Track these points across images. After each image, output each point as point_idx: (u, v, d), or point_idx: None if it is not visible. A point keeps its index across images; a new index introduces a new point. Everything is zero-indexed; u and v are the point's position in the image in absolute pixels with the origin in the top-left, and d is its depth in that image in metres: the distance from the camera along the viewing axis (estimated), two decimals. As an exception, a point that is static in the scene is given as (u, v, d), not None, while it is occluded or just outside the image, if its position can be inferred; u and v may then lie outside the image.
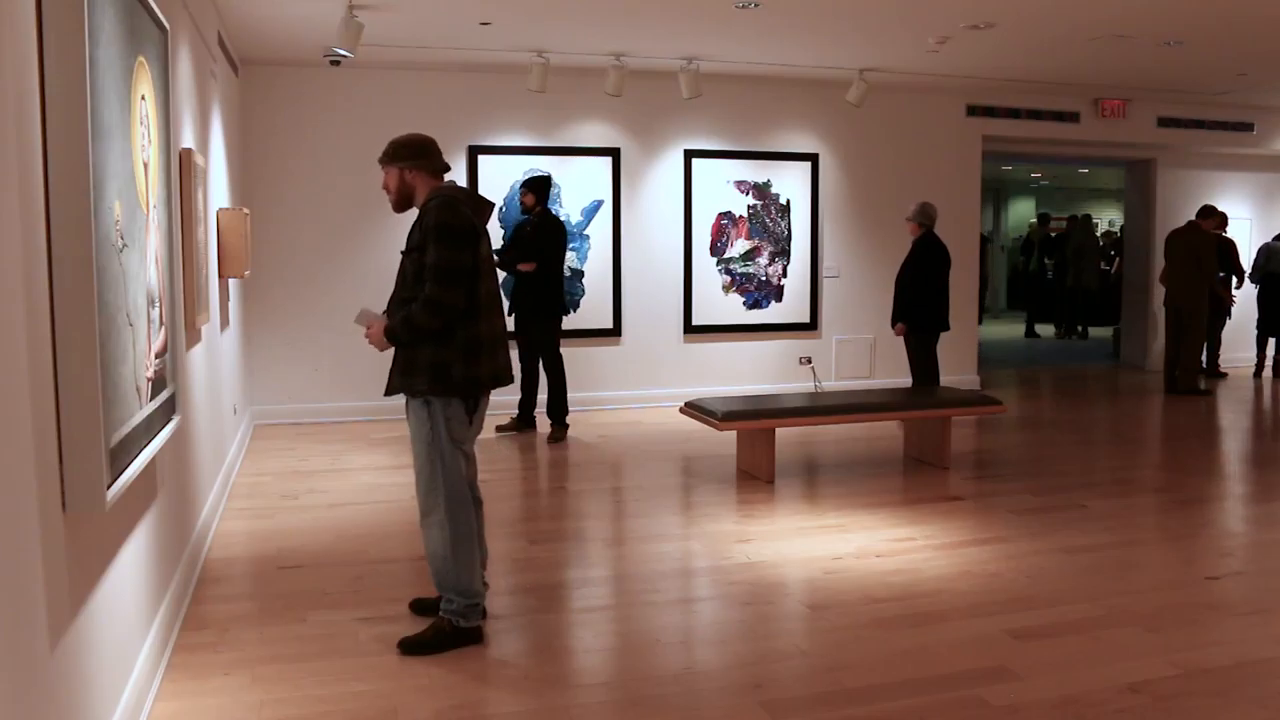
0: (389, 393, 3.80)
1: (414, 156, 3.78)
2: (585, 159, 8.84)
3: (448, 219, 3.64)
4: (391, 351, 3.82)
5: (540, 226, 7.51)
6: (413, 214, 3.90)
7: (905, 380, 8.54)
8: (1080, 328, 15.64)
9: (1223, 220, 10.57)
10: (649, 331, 9.13)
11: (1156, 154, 11.35)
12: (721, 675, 3.53)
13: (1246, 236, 11.81)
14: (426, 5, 6.44)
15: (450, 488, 3.73)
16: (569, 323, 8.34)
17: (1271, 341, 11.28)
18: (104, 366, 2.51)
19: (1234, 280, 10.94)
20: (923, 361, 7.82)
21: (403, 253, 3.77)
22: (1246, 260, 11.45)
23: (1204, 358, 10.79)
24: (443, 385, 3.66)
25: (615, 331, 9.01)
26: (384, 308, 3.97)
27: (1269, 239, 11.68)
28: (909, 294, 7.78)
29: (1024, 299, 17.75)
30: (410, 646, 3.65)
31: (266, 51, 7.67)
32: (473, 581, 3.75)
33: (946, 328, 7.85)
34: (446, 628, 3.71)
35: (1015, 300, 19.00)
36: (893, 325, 7.95)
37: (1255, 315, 11.31)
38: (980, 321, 11.05)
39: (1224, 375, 11.08)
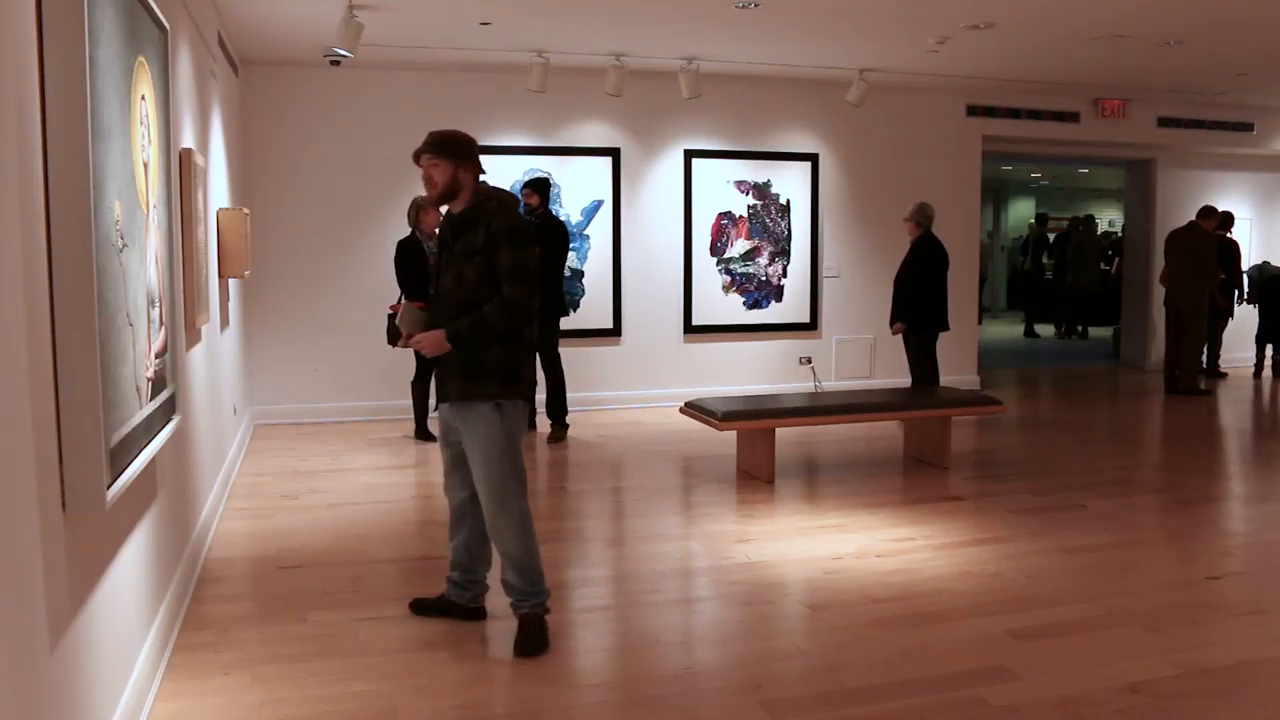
0: (445, 400, 3.73)
1: (468, 155, 3.72)
2: (585, 159, 8.84)
3: (517, 222, 3.66)
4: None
5: (542, 227, 7.51)
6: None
7: (905, 380, 8.53)
8: (1081, 328, 15.64)
9: (1228, 221, 10.57)
10: (649, 331, 9.13)
11: (1156, 154, 11.35)
12: (721, 675, 3.53)
13: (1246, 236, 11.82)
14: (426, 5, 6.44)
15: (521, 492, 3.73)
16: (569, 323, 8.34)
17: (1270, 346, 11.28)
18: (104, 366, 2.51)
19: (1236, 288, 10.94)
20: (923, 361, 7.83)
21: (456, 255, 3.67)
22: (1247, 262, 11.45)
23: (1204, 358, 10.80)
24: (514, 386, 3.67)
25: (615, 331, 9.01)
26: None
27: (1263, 252, 11.69)
28: (908, 294, 7.79)
29: (1023, 299, 17.76)
30: (526, 648, 3.63)
31: (266, 51, 7.66)
32: (543, 570, 3.81)
33: (946, 327, 7.86)
34: (538, 621, 3.71)
35: (1015, 300, 18.99)
36: (891, 325, 7.96)
37: (1255, 317, 11.31)
38: (980, 322, 11.04)
39: (1224, 375, 11.07)
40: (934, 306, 7.74)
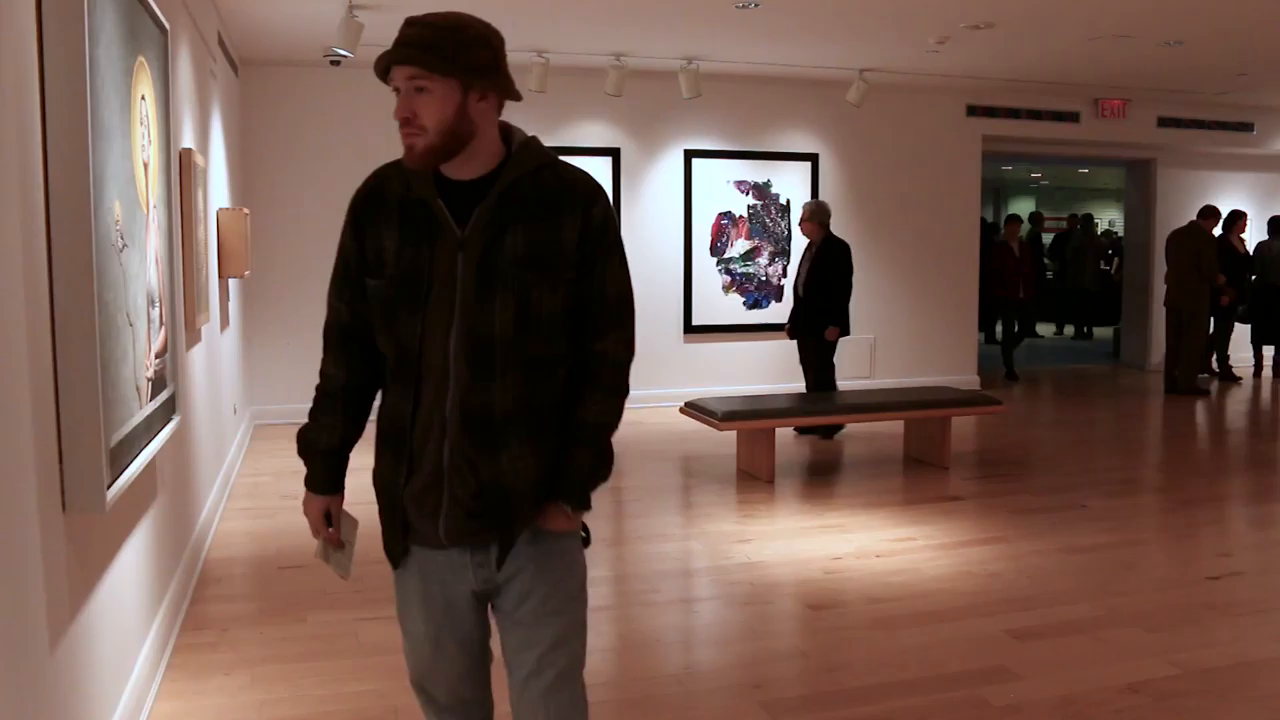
0: (519, 530, 2.02)
1: (493, 71, 1.86)
2: (585, 159, 8.82)
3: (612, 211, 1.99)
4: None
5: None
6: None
7: (906, 380, 8.53)
8: (1087, 329, 15.63)
9: (1238, 221, 10.53)
10: (649, 331, 9.11)
11: (1156, 154, 11.35)
12: (721, 675, 3.53)
13: (1246, 237, 11.79)
14: (426, 5, 6.41)
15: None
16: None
17: (1271, 348, 11.25)
18: (104, 366, 2.51)
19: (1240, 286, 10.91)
20: (825, 366, 7.57)
21: (510, 264, 1.87)
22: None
23: (1214, 359, 10.78)
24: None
25: (615, 331, 8.99)
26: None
27: (1264, 236, 11.67)
28: (821, 297, 7.40)
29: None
30: None
31: (266, 51, 7.66)
32: None
33: (849, 331, 7.61)
34: None
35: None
36: (810, 333, 7.50)
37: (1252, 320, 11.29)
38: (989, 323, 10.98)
39: (1238, 379, 10.86)
40: (845, 309, 7.47)
